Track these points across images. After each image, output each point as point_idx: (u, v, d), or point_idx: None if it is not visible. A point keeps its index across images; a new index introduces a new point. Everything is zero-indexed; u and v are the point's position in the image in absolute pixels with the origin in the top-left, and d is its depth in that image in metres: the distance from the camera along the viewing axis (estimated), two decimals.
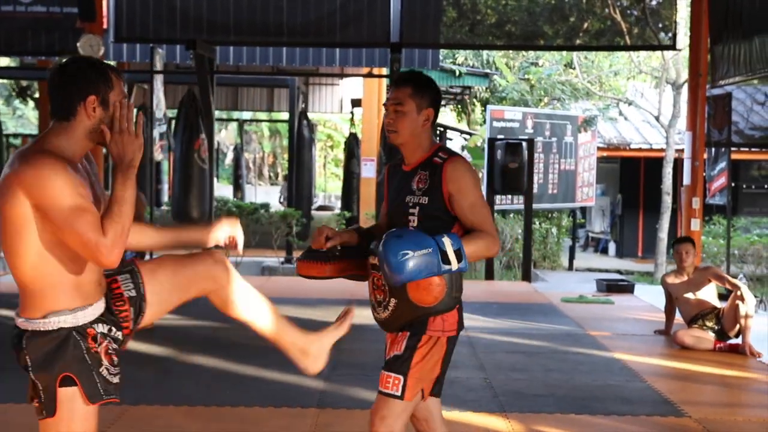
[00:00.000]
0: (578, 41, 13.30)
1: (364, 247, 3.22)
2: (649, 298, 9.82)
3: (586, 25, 13.45)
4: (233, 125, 28.85)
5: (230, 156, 28.52)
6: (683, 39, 13.85)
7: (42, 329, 2.50)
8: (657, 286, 12.22)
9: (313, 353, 3.04)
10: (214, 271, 2.81)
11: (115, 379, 2.58)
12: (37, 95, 23.95)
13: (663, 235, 15.67)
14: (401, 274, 2.84)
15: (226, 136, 31.94)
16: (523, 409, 5.13)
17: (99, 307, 2.60)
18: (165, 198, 18.65)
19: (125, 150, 2.50)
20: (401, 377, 3.03)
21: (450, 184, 3.03)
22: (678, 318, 7.36)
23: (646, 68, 18.43)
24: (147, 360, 6.29)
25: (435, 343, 3.05)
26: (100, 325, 2.58)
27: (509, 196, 13.77)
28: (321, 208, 21.98)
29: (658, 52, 16.08)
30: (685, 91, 15.01)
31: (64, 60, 2.59)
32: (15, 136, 28.28)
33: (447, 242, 2.88)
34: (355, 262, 3.22)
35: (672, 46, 11.49)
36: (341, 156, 30.97)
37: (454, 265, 2.88)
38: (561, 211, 16.43)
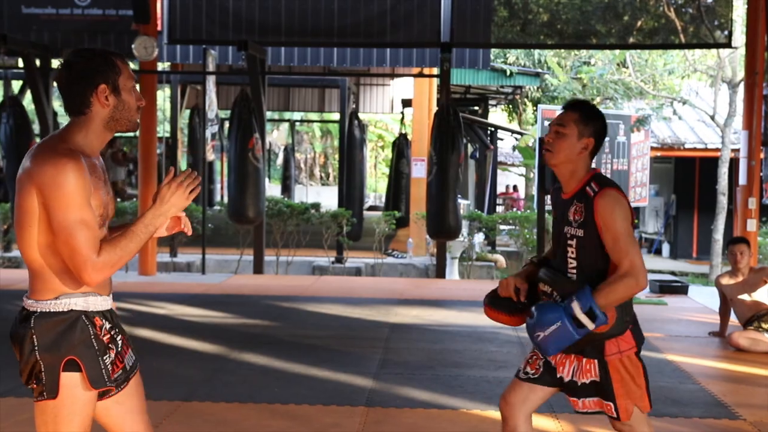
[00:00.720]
0: (632, 40, 13.16)
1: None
2: (704, 299, 9.67)
3: (639, 23, 13.30)
4: (285, 126, 29.04)
5: (281, 156, 28.69)
6: (739, 37, 13.62)
7: (52, 310, 2.51)
8: (712, 288, 12.02)
9: None
10: None
11: (117, 374, 2.60)
12: None
13: (718, 236, 15.41)
14: (546, 353, 3.06)
15: (277, 137, 32.15)
16: (572, 410, 5.06)
17: (107, 303, 2.62)
18: (217, 198, 18.84)
19: (171, 199, 2.54)
20: (611, 403, 3.13)
21: (600, 216, 3.05)
22: (733, 320, 7.24)
23: (701, 67, 18.14)
24: (198, 357, 6.37)
25: (627, 363, 3.13)
26: (104, 319, 2.60)
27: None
28: (372, 208, 22.05)
29: (714, 51, 15.84)
30: (741, 89, 14.76)
31: (66, 56, 2.59)
32: None
33: (576, 306, 2.96)
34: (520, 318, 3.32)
35: (728, 44, 11.31)
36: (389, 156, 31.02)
37: (590, 326, 2.96)
38: None
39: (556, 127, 3.16)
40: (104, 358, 2.55)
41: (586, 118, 3.14)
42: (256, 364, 6.17)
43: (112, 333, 2.61)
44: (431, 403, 5.17)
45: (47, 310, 2.51)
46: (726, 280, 7.04)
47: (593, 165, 3.19)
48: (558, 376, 3.19)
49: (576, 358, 3.16)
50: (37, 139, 11.29)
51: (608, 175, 15.81)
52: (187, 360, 6.29)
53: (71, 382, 2.50)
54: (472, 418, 4.91)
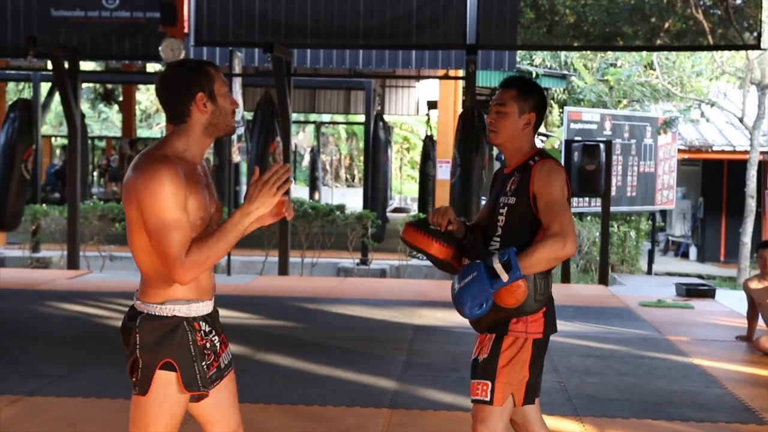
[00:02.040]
0: (659, 42, 13.07)
1: (462, 243, 3.25)
2: (732, 303, 9.58)
3: (667, 24, 13.21)
4: (310, 127, 29.16)
5: (307, 158, 28.78)
6: (767, 38, 13.49)
7: (157, 313, 2.65)
8: (740, 292, 11.90)
9: None
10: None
11: (210, 374, 2.72)
12: (121, 98, 24.57)
13: (746, 239, 15.27)
14: (461, 306, 2.97)
15: (303, 139, 32.26)
16: (597, 413, 5.06)
17: (208, 307, 2.75)
18: (241, 200, 18.92)
19: (259, 198, 2.59)
20: (489, 383, 3.07)
21: (535, 185, 3.05)
22: (761, 324, 7.17)
23: (730, 69, 17.98)
24: None
25: (521, 346, 3.07)
26: (204, 323, 2.73)
27: (586, 199, 13.60)
28: (397, 210, 22.05)
29: (742, 52, 15.69)
30: None
31: (162, 71, 2.77)
32: (100, 138, 29.09)
33: (495, 258, 2.93)
34: (457, 255, 3.22)
35: (757, 46, 11.21)
36: (417, 158, 30.99)
37: (504, 277, 2.90)
38: (640, 214, 16.15)
39: (496, 107, 3.17)
40: (201, 363, 2.67)
41: (524, 94, 3.16)
42: (280, 365, 6.19)
43: (211, 336, 2.74)
44: (455, 406, 5.16)
45: (153, 313, 2.66)
46: (754, 284, 6.98)
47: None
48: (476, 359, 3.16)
49: (488, 337, 3.12)
50: (64, 141, 11.40)
51: (635, 178, 15.80)
52: None
53: (165, 380, 2.63)
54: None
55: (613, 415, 5.03)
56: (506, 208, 3.11)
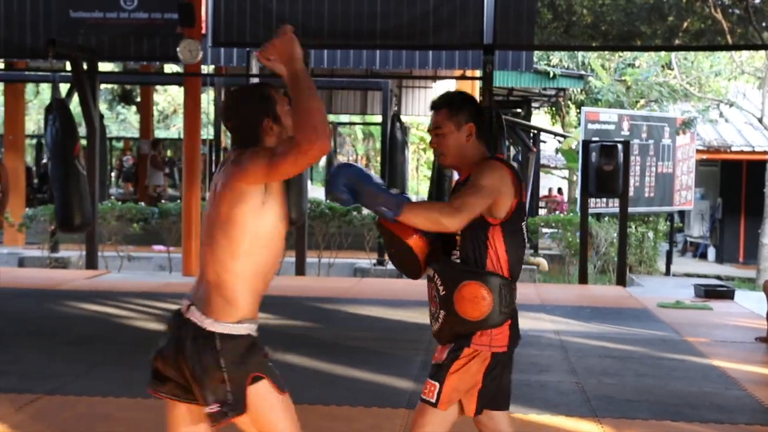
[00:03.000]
0: (677, 41, 13.00)
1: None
2: (751, 304, 9.52)
3: (685, 24, 13.14)
4: None
5: (324, 158, 28.81)
6: None
7: (235, 333, 2.71)
8: (759, 293, 11.82)
9: None
10: None
11: None
12: (138, 99, 24.67)
13: (766, 240, 15.17)
14: (335, 187, 2.92)
15: None
16: (616, 415, 5.04)
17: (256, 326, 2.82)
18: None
19: (284, 48, 2.67)
20: (437, 384, 3.04)
21: (470, 177, 3.04)
22: None
23: (749, 68, 17.88)
24: None
25: (476, 355, 3.03)
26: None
27: (603, 200, 13.55)
28: None
29: (762, 52, 15.59)
30: None
31: (226, 99, 2.90)
32: (117, 139, 29.21)
33: (393, 190, 2.97)
34: (427, 253, 3.12)
35: None
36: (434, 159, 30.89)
37: (387, 204, 2.86)
38: (658, 215, 16.07)
39: (434, 132, 3.17)
40: (275, 371, 2.80)
41: (455, 110, 3.14)
42: (297, 365, 6.19)
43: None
44: None
45: (230, 333, 2.71)
46: None
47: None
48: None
49: (448, 346, 3.07)
50: (83, 142, 11.47)
51: (653, 179, 15.68)
52: None
53: (264, 390, 2.74)
54: (514, 421, 4.83)
55: (631, 417, 5.00)
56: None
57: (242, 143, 2.83)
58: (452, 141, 3.13)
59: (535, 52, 15.98)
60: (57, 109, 10.37)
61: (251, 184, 2.68)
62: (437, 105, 3.19)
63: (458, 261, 3.06)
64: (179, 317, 2.84)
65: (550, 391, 5.60)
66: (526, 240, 3.17)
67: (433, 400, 3.03)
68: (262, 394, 2.73)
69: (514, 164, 3.09)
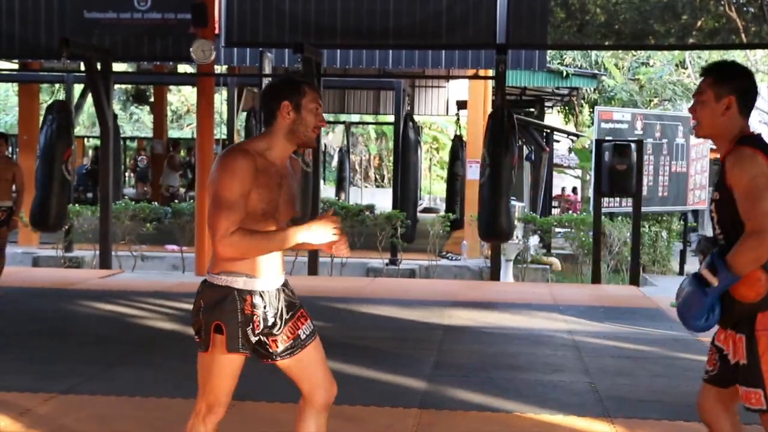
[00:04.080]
0: (691, 40, 12.95)
1: None
2: None
3: (699, 23, 13.08)
4: (340, 127, 29.18)
5: (336, 158, 28.83)
6: None
7: (215, 282, 3.09)
8: None
9: None
10: (325, 394, 3.36)
11: (253, 339, 3.10)
12: (152, 99, 24.76)
13: None
14: (686, 322, 2.99)
15: (332, 139, 32.30)
16: (629, 415, 5.02)
17: (267, 285, 3.13)
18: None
19: (317, 231, 3.05)
20: (761, 390, 2.92)
21: (728, 177, 2.92)
22: None
23: (763, 67, 17.79)
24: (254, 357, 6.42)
25: None
26: (258, 297, 3.10)
27: (617, 199, 13.50)
28: (426, 210, 22.01)
29: None
30: None
31: (268, 83, 3.25)
32: (131, 139, 29.32)
33: (702, 266, 2.92)
34: None
35: None
36: (447, 158, 30.91)
37: (714, 282, 2.86)
38: (672, 214, 16.01)
39: (696, 97, 3.09)
40: (246, 328, 3.07)
41: (720, 79, 3.04)
42: None
43: (263, 310, 3.11)
44: (485, 406, 5.15)
45: (212, 282, 3.11)
46: None
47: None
48: (728, 358, 3.03)
49: (731, 334, 2.99)
50: (91, 146, 11.50)
51: (667, 178, 15.61)
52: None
53: (217, 341, 3.07)
54: (526, 421, 4.88)
55: (644, 417, 4.99)
56: (714, 203, 3.03)
57: (264, 121, 3.15)
58: (709, 111, 3.04)
59: (548, 51, 15.93)
60: (58, 111, 10.43)
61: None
62: (706, 70, 3.12)
63: (723, 242, 2.99)
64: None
65: (563, 391, 5.58)
66: None
67: (764, 407, 2.93)
68: (216, 344, 3.07)
69: (762, 140, 3.04)
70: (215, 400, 3.19)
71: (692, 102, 3.13)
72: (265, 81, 11.64)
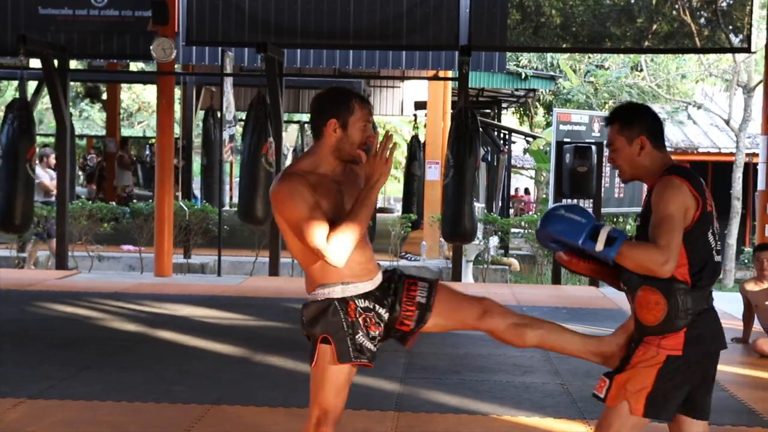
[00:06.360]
0: (647, 43, 13.09)
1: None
2: (721, 305, 9.57)
3: (654, 26, 13.26)
4: (294, 127, 29.04)
5: (290, 157, 28.70)
6: (755, 41, 13.58)
7: (313, 299, 3.15)
8: (727, 293, 11.99)
9: (609, 353, 3.23)
10: (485, 315, 3.28)
11: (369, 345, 3.12)
12: (104, 97, 24.38)
13: (732, 240, 15.39)
14: (543, 226, 3.04)
15: (286, 138, 32.09)
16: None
17: (365, 287, 3.15)
18: (226, 198, 18.84)
19: (374, 171, 3.04)
20: (607, 381, 3.07)
21: (652, 201, 3.00)
22: (756, 326, 7.21)
23: (716, 71, 18.11)
24: (224, 360, 6.37)
25: (651, 357, 2.99)
26: (362, 300, 3.13)
27: (575, 200, 13.63)
28: (381, 210, 22.01)
29: (729, 55, 15.81)
30: (757, 93, 14.72)
31: (319, 92, 3.22)
32: (80, 137, 28.83)
33: (607, 227, 2.94)
34: (607, 271, 3.18)
35: (746, 49, 11.28)
36: (401, 159, 30.90)
37: (598, 246, 2.92)
38: (627, 216, 16.23)
39: (610, 148, 3.17)
40: (355, 336, 3.09)
41: (627, 124, 3.11)
42: (282, 367, 6.16)
43: (372, 311, 3.14)
44: (461, 408, 5.15)
45: (311, 300, 3.16)
46: (751, 287, 7.02)
47: None
48: None
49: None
50: (50, 140, 11.31)
51: None
52: (214, 363, 6.29)
53: (325, 353, 3.09)
54: (504, 423, 4.90)
55: None
56: (637, 230, 3.13)
57: (312, 133, 3.18)
58: (625, 156, 3.10)
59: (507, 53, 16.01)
60: (18, 109, 10.21)
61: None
62: (608, 120, 3.17)
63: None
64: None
65: (536, 392, 5.62)
66: (715, 247, 3.08)
67: (601, 395, 3.07)
68: (323, 356, 3.09)
69: (690, 171, 3.10)
70: (323, 415, 3.16)
71: (609, 153, 3.20)
72: (227, 80, 11.54)
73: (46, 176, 12.21)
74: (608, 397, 3.04)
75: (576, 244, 2.98)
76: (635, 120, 3.12)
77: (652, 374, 2.98)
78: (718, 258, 3.10)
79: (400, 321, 3.20)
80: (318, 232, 2.98)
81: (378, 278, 3.21)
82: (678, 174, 3.02)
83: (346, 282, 3.11)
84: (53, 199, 12.02)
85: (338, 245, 2.98)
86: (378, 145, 3.04)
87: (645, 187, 3.23)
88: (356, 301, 3.11)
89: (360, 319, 3.10)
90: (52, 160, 12.09)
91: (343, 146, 3.10)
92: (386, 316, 3.18)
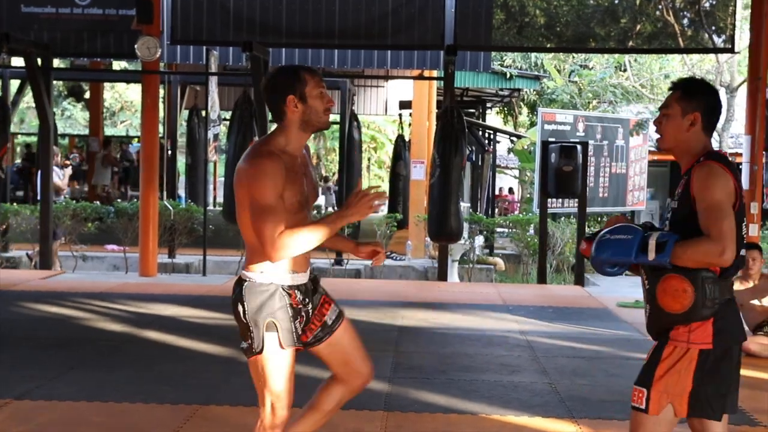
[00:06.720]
0: (631, 43, 13.15)
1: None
2: None
3: (638, 27, 13.30)
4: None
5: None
6: (738, 41, 13.67)
7: (258, 281, 3.12)
8: None
9: None
10: (360, 379, 3.47)
11: (300, 332, 3.18)
12: (87, 96, 24.25)
13: None
14: (597, 256, 3.03)
15: None
16: (592, 415, 5.07)
17: (304, 278, 3.22)
18: (211, 198, 18.77)
19: (354, 207, 3.07)
20: (645, 390, 3.02)
21: (694, 188, 2.97)
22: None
23: (699, 71, 18.21)
24: (211, 360, 6.34)
25: (682, 355, 2.97)
26: (299, 293, 3.18)
27: (559, 200, 13.68)
28: None
29: (712, 55, 15.90)
30: (739, 94, 14.81)
31: (264, 77, 3.25)
32: (62, 136, 28.65)
33: (654, 235, 2.91)
34: None
35: (730, 49, 11.34)
36: (385, 158, 30.91)
37: (650, 255, 2.89)
38: (612, 215, 16.30)
39: (662, 111, 3.15)
40: (295, 322, 3.14)
41: (688, 94, 3.08)
42: None
43: (304, 303, 3.20)
44: (450, 408, 5.15)
45: (255, 281, 3.13)
46: (737, 286, 7.03)
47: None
48: None
49: (655, 344, 3.08)
50: (33, 139, 11.23)
51: (607, 179, 15.84)
52: (201, 363, 6.26)
53: (271, 339, 3.11)
54: (493, 423, 4.90)
55: (608, 417, 5.04)
56: (670, 212, 3.07)
57: (273, 117, 3.18)
58: (673, 126, 3.08)
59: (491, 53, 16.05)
60: None
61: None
62: (675, 84, 3.15)
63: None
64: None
65: (524, 392, 5.62)
66: (743, 238, 3.04)
67: (643, 406, 3.01)
68: (270, 343, 3.10)
69: (731, 161, 3.12)
70: (277, 400, 3.18)
71: (658, 114, 3.19)
72: (212, 79, 11.50)
73: (54, 175, 12.12)
74: (650, 407, 3.00)
75: (631, 262, 2.97)
76: (698, 95, 3.09)
77: (690, 373, 2.96)
78: (743, 251, 3.08)
79: (304, 328, 3.25)
80: (272, 225, 2.98)
81: (309, 274, 3.28)
82: (720, 162, 3.01)
83: (294, 271, 3.16)
84: (62, 198, 11.95)
85: (285, 246, 3.00)
86: (372, 189, 3.08)
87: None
88: (296, 291, 3.17)
89: (300, 309, 3.17)
90: (59, 159, 11.99)
91: (309, 118, 3.14)
92: (312, 312, 3.27)
